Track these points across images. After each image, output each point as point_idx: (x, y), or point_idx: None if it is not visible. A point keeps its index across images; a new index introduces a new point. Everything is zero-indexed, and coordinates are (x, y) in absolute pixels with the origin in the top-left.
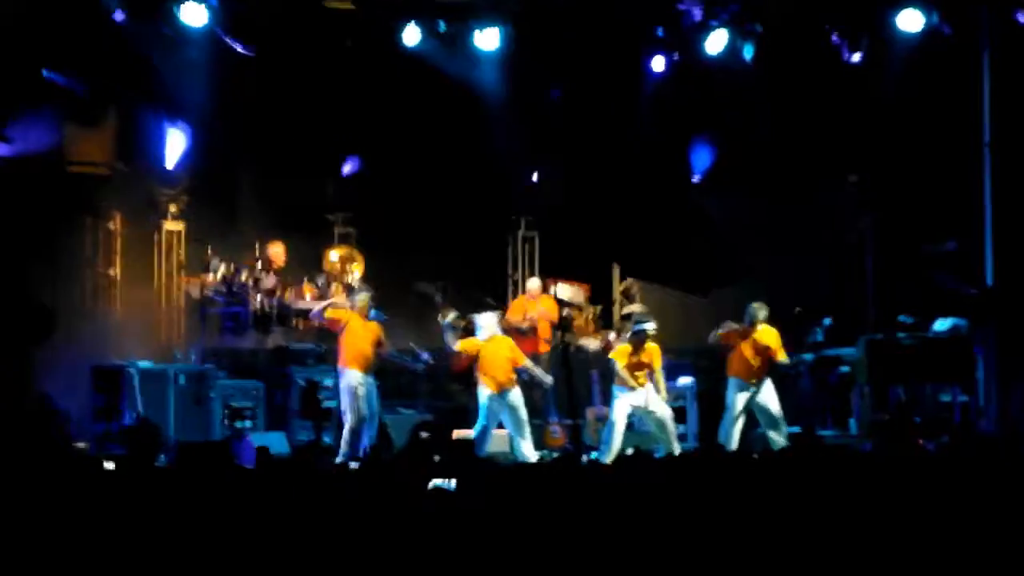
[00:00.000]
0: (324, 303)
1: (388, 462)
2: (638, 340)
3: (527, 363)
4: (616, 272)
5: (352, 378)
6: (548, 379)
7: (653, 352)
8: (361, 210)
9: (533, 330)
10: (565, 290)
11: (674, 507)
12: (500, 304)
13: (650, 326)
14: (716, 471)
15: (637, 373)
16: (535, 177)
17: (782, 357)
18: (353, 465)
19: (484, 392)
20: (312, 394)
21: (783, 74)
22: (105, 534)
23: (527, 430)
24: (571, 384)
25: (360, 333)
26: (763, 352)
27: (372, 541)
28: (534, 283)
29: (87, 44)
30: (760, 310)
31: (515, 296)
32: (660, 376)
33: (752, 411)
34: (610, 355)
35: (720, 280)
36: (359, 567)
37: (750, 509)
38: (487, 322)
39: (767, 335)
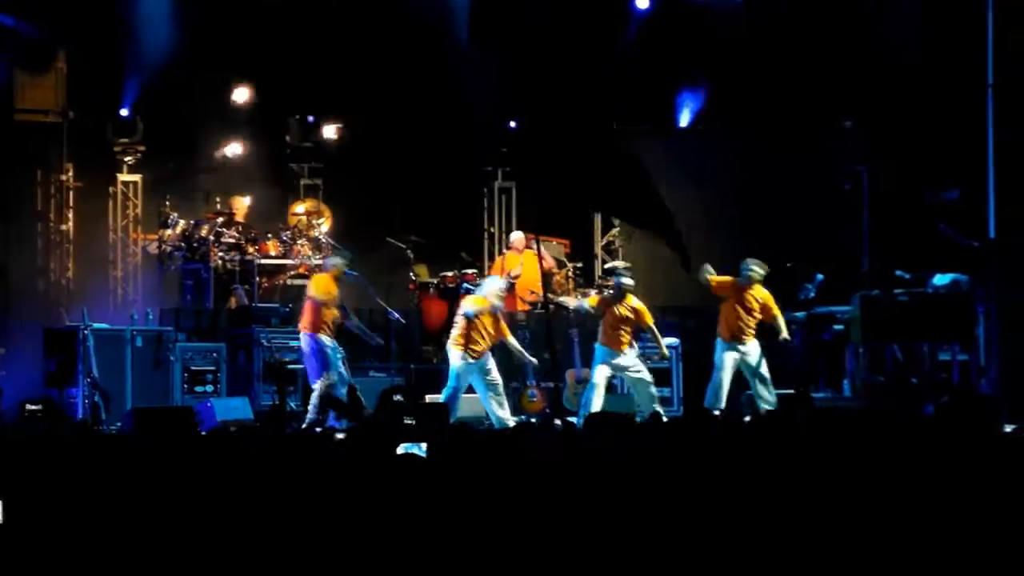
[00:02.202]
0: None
1: (359, 427)
2: (617, 293)
3: (511, 340)
4: (598, 226)
5: (315, 341)
6: (530, 360)
7: (640, 309)
8: (327, 160)
9: (511, 287)
10: (545, 246)
11: (651, 473)
12: (474, 260)
13: (628, 280)
14: (699, 435)
15: (622, 330)
16: (512, 125)
17: (784, 329)
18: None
19: (456, 355)
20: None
21: (774, 10)
22: (59, 506)
23: (502, 394)
24: (553, 346)
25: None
26: (755, 313)
27: (341, 509)
28: (517, 236)
29: None
30: (759, 268)
31: (491, 250)
32: (656, 332)
33: (740, 371)
34: (600, 307)
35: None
36: (328, 535)
37: (734, 474)
38: (493, 288)
39: (762, 297)
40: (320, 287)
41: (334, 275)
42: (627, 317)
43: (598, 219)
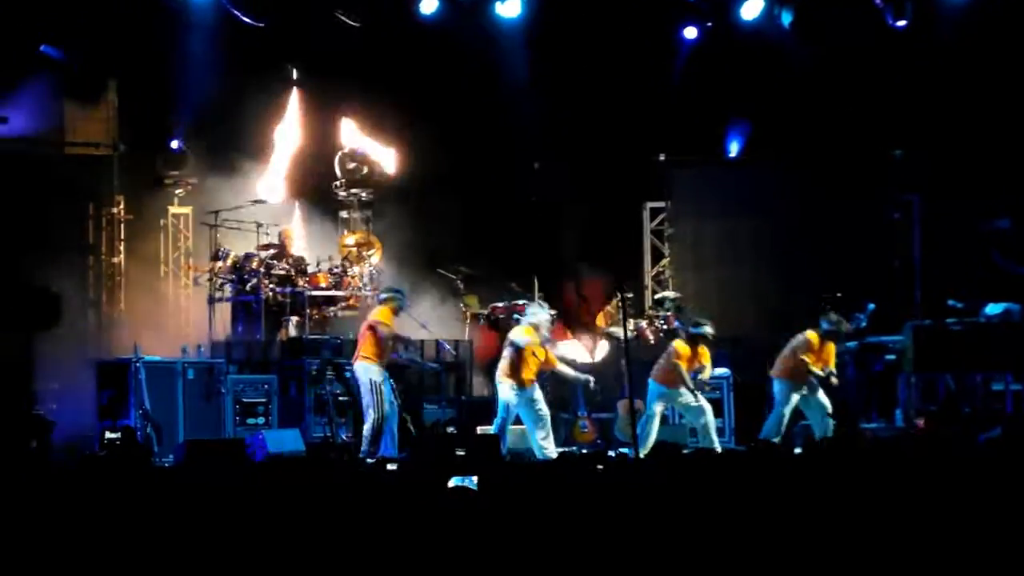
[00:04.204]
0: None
1: (410, 459)
2: (695, 343)
3: (559, 367)
4: (647, 256)
5: (372, 372)
6: (585, 377)
7: (705, 353)
8: (377, 191)
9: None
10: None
11: (703, 505)
12: (524, 291)
13: (709, 330)
14: (753, 467)
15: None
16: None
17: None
18: (369, 463)
19: (505, 387)
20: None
21: (823, 41)
22: (108, 541)
23: (548, 426)
24: (630, 374)
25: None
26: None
27: (391, 541)
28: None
29: (85, 17)
30: (842, 324)
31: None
32: (707, 374)
33: (799, 407)
34: (674, 359)
35: None
36: (378, 567)
37: (785, 506)
38: (540, 317)
39: (831, 351)
40: (385, 317)
41: (392, 308)
42: (697, 364)
43: (648, 249)
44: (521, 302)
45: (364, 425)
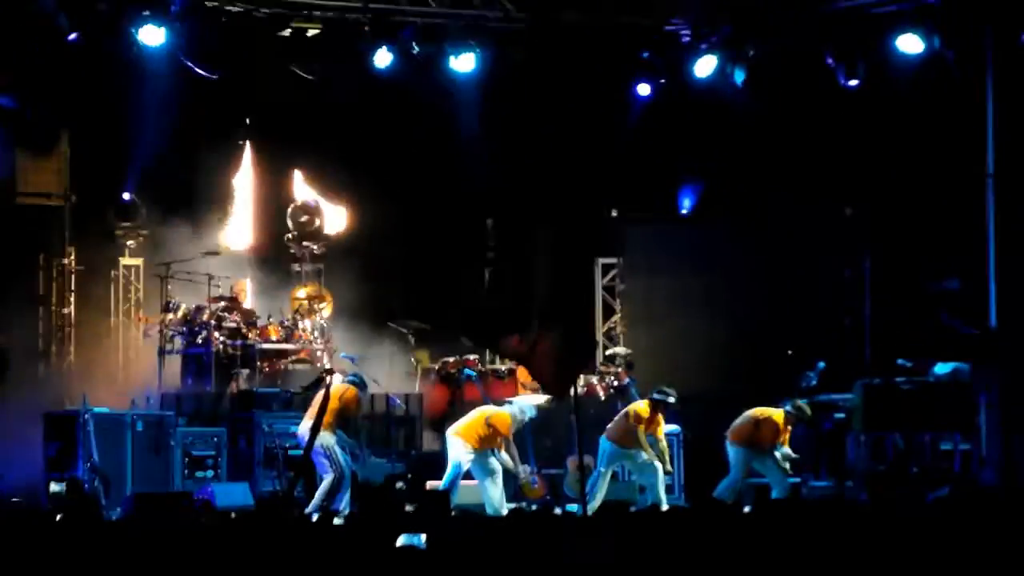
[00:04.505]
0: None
1: (359, 515)
2: (655, 409)
3: (504, 454)
4: (600, 312)
5: (325, 439)
6: (520, 471)
7: (660, 421)
8: (329, 245)
9: (511, 373)
10: None
11: (651, 563)
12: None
13: (672, 400)
14: (699, 526)
15: (639, 432)
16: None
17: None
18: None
19: (457, 444)
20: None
21: (776, 99)
22: None
23: (499, 481)
24: (580, 429)
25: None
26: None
27: None
28: None
29: (38, 65)
30: (804, 413)
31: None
32: (664, 443)
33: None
34: (633, 422)
35: None
36: None
37: (733, 566)
38: (524, 418)
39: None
40: (354, 401)
41: (358, 393)
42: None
43: (599, 304)
44: (472, 357)
45: (322, 482)
